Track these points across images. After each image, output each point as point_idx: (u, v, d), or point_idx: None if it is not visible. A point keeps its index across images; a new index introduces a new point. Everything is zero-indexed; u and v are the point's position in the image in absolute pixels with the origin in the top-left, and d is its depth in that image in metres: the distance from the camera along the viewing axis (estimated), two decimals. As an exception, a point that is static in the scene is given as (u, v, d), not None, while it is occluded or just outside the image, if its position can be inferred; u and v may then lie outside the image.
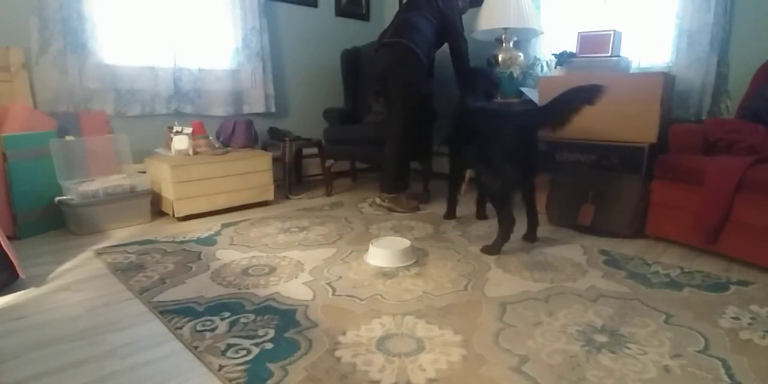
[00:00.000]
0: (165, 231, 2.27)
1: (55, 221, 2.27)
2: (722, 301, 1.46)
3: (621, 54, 2.49)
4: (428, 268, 1.75)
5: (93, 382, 1.07)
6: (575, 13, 2.85)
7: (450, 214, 2.46)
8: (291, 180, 3.02)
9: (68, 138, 2.33)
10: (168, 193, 2.42)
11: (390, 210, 2.60)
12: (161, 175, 2.44)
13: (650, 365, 1.11)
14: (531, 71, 2.91)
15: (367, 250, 1.87)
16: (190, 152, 2.59)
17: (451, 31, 2.61)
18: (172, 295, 1.51)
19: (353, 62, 3.38)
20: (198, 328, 1.30)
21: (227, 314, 1.38)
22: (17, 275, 1.59)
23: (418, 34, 2.49)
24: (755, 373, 1.08)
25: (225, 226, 2.33)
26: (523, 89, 2.75)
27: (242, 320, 1.34)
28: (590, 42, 2.49)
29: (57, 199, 2.20)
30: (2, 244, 1.54)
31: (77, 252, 1.97)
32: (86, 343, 1.24)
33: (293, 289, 1.56)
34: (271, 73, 3.23)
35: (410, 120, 2.53)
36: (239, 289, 1.56)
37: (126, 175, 2.44)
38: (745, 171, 1.68)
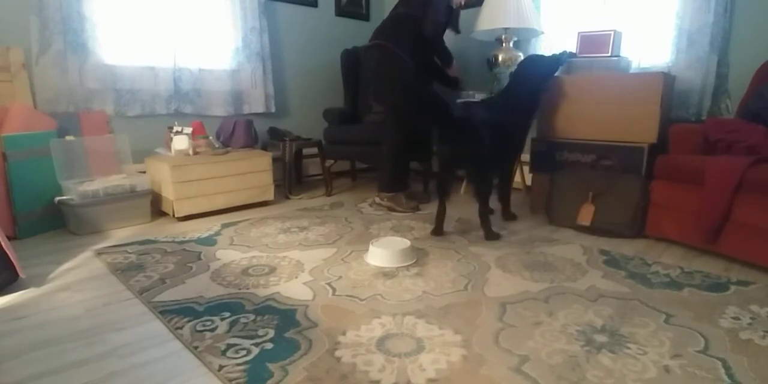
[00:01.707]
0: (165, 231, 2.27)
1: (55, 221, 2.27)
2: (722, 301, 1.46)
3: (621, 54, 2.49)
4: (428, 268, 1.75)
5: (93, 382, 1.07)
6: (575, 13, 2.85)
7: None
8: (291, 180, 3.02)
9: (68, 138, 2.33)
10: (168, 193, 2.42)
11: (390, 209, 2.60)
12: (161, 175, 2.44)
13: (650, 365, 1.11)
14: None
15: (367, 250, 1.87)
16: (190, 152, 2.59)
17: (421, 19, 2.50)
18: (172, 295, 1.51)
19: (353, 62, 3.38)
20: (198, 328, 1.30)
21: (227, 314, 1.38)
22: (17, 275, 1.59)
23: (400, 33, 2.47)
24: (755, 373, 1.08)
25: (225, 226, 2.33)
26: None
27: (242, 320, 1.34)
28: (590, 42, 2.49)
29: (57, 199, 2.20)
30: (2, 244, 1.54)
31: (77, 252, 1.97)
32: (86, 343, 1.24)
33: (293, 289, 1.56)
34: (271, 73, 3.23)
35: (401, 119, 2.52)
36: (239, 289, 1.56)
37: (126, 175, 2.44)
38: (745, 171, 1.68)
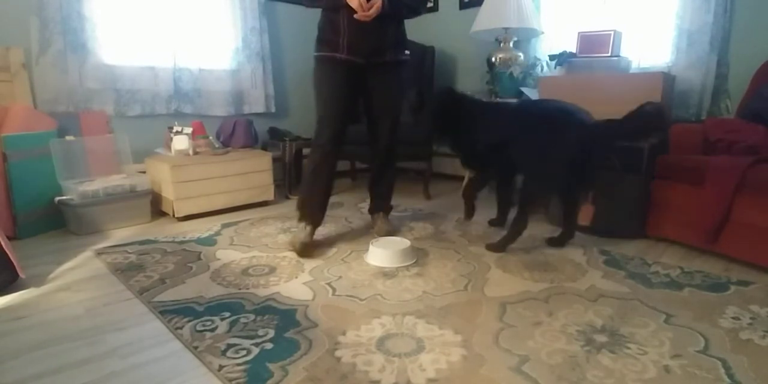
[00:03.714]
0: (165, 231, 2.27)
1: (55, 221, 2.26)
2: (722, 301, 1.46)
3: (621, 54, 2.49)
4: (428, 268, 1.75)
5: (93, 382, 1.07)
6: (575, 13, 2.85)
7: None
8: (291, 180, 3.02)
9: (68, 138, 2.33)
10: (168, 193, 2.42)
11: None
12: (161, 175, 2.44)
13: (650, 365, 1.11)
14: (531, 71, 2.91)
15: (367, 250, 1.87)
16: (190, 152, 2.59)
17: None
18: (172, 295, 1.51)
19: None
20: (198, 328, 1.30)
21: (227, 314, 1.38)
22: (17, 275, 1.59)
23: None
24: (755, 373, 1.08)
25: (225, 226, 2.33)
26: (523, 89, 2.75)
27: (242, 320, 1.34)
28: (590, 42, 2.49)
29: (57, 199, 2.20)
30: (2, 244, 1.54)
31: (77, 252, 1.96)
32: (86, 343, 1.24)
33: (293, 289, 1.56)
34: (271, 73, 3.23)
35: (315, 144, 1.94)
36: (239, 289, 1.56)
37: (126, 175, 2.44)
38: (745, 171, 1.68)
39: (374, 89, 2.01)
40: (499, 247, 1.93)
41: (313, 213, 1.96)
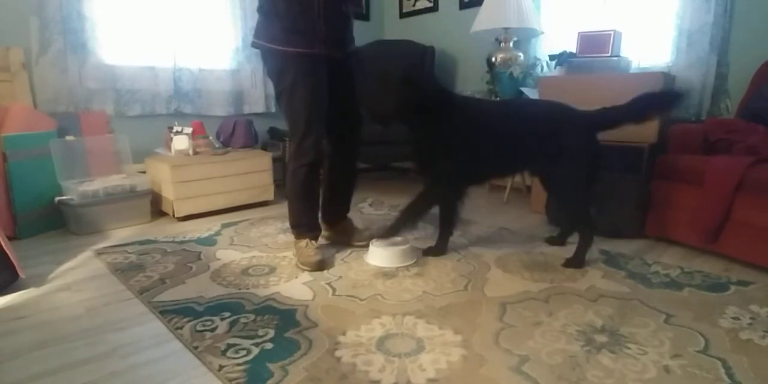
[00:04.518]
0: (165, 231, 2.27)
1: (55, 221, 2.26)
2: (722, 301, 1.46)
3: (621, 54, 2.49)
4: (428, 268, 1.75)
5: (93, 382, 1.07)
6: (575, 13, 2.85)
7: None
8: (291, 180, 3.02)
9: (68, 138, 2.33)
10: (168, 193, 2.42)
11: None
12: (161, 175, 2.44)
13: (650, 365, 1.11)
14: (531, 71, 2.91)
15: (367, 250, 1.87)
16: (190, 152, 2.59)
17: None
18: (172, 295, 1.51)
19: (353, 62, 3.36)
20: (198, 328, 1.30)
21: (227, 314, 1.38)
22: (17, 275, 1.59)
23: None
24: (755, 373, 1.08)
25: (225, 226, 2.33)
26: (523, 89, 2.75)
27: (242, 320, 1.34)
28: (590, 42, 2.49)
29: (57, 199, 2.20)
30: (2, 244, 1.54)
31: (77, 252, 1.96)
32: (86, 343, 1.24)
33: (293, 289, 1.56)
34: (271, 73, 3.23)
35: (301, 148, 1.73)
36: (239, 289, 1.56)
37: (126, 175, 2.44)
38: (745, 171, 1.68)
39: (345, 85, 1.79)
40: (578, 263, 1.76)
41: (311, 228, 1.84)
